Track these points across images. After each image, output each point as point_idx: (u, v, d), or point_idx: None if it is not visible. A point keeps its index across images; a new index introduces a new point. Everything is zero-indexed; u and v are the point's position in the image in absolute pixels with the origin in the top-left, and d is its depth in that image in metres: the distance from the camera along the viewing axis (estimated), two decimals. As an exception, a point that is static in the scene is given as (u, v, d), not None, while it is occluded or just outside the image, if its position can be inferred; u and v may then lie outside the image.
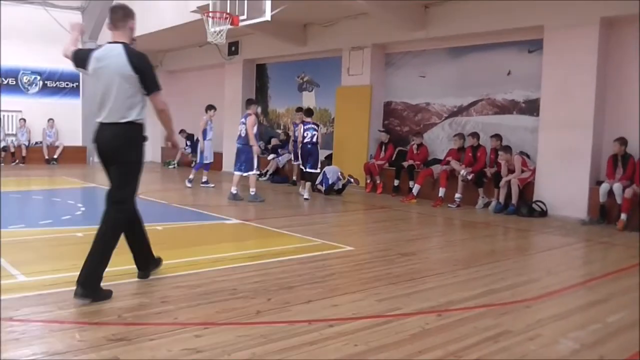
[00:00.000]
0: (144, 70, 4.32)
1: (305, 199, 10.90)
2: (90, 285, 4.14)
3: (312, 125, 11.21)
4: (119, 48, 4.31)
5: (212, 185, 12.32)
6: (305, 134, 11.14)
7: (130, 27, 4.48)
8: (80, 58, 4.53)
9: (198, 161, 12.53)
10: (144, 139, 4.45)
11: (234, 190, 10.35)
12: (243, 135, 10.30)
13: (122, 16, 4.45)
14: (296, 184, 12.93)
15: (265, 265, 5.55)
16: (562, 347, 3.57)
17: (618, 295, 4.88)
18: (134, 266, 4.85)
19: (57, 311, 3.92)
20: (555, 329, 3.90)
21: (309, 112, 11.59)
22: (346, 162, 12.74)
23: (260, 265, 5.56)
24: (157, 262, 4.95)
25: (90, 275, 4.17)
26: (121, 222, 4.44)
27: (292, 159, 13.11)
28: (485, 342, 3.57)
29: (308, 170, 11.15)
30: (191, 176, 12.41)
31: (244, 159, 10.30)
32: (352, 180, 12.02)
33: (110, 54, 4.32)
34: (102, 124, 4.37)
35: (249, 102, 10.78)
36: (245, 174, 10.27)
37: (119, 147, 4.33)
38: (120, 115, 4.29)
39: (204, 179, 12.39)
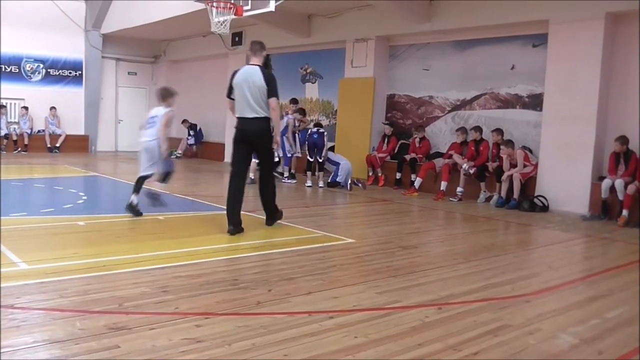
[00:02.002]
0: (271, 84, 6.52)
1: (308, 186, 11.58)
2: (273, 218, 7.00)
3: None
4: (257, 69, 6.54)
5: (295, 182, 12.30)
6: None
7: (263, 55, 6.69)
8: (229, 89, 6.68)
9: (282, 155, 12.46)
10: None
11: (252, 175, 10.82)
12: None
13: (259, 48, 6.70)
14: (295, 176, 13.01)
15: (266, 257, 5.56)
16: (561, 342, 3.58)
17: (618, 291, 4.88)
18: (136, 255, 5.08)
19: (58, 299, 3.93)
20: (554, 323, 3.90)
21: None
22: (348, 154, 12.73)
23: (261, 256, 5.57)
24: (280, 215, 7.10)
25: (272, 212, 6.95)
26: (273, 177, 7.04)
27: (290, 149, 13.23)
28: (484, 336, 3.57)
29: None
30: (286, 173, 12.45)
31: None
32: (359, 184, 11.83)
33: (251, 73, 6.52)
34: (246, 118, 6.51)
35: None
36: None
37: (262, 133, 6.56)
38: (259, 112, 6.48)
39: (286, 174, 12.45)
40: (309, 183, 11.67)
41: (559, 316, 4.09)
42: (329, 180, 11.65)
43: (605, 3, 8.86)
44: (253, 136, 6.56)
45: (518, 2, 9.89)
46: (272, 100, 6.53)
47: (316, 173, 11.79)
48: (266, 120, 6.55)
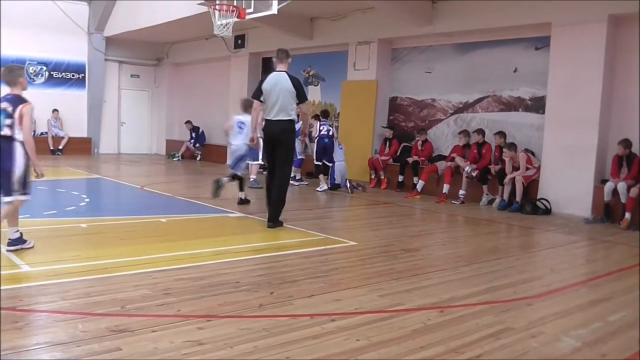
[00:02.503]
0: (299, 88, 7.09)
1: (323, 190, 11.43)
2: (275, 220, 7.07)
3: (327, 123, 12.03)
4: (285, 75, 7.08)
5: (306, 183, 12.38)
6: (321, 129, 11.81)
7: (288, 62, 7.23)
8: (258, 93, 7.18)
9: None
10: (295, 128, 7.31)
11: (252, 177, 11.18)
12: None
13: (285, 56, 7.24)
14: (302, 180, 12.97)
15: (268, 259, 5.56)
16: (564, 344, 3.58)
17: (620, 294, 4.88)
18: (138, 258, 5.11)
19: (60, 301, 3.94)
20: (557, 326, 3.90)
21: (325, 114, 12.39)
22: (351, 156, 12.72)
23: (264, 258, 5.58)
24: (281, 224, 7.17)
25: (275, 214, 7.10)
26: (288, 177, 7.41)
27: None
28: (486, 339, 3.57)
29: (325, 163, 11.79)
30: (298, 175, 12.47)
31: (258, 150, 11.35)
32: (359, 187, 11.67)
33: (280, 79, 7.05)
34: (273, 120, 7.05)
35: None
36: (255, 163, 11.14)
37: (285, 133, 7.09)
38: (286, 115, 7.01)
39: (297, 176, 12.45)
40: (324, 187, 11.44)
41: (562, 319, 4.08)
42: (330, 184, 11.59)
43: (608, 5, 8.85)
44: (277, 136, 7.08)
45: (520, 4, 9.89)
46: (303, 105, 7.25)
47: (320, 176, 11.67)
48: (290, 122, 7.10)
